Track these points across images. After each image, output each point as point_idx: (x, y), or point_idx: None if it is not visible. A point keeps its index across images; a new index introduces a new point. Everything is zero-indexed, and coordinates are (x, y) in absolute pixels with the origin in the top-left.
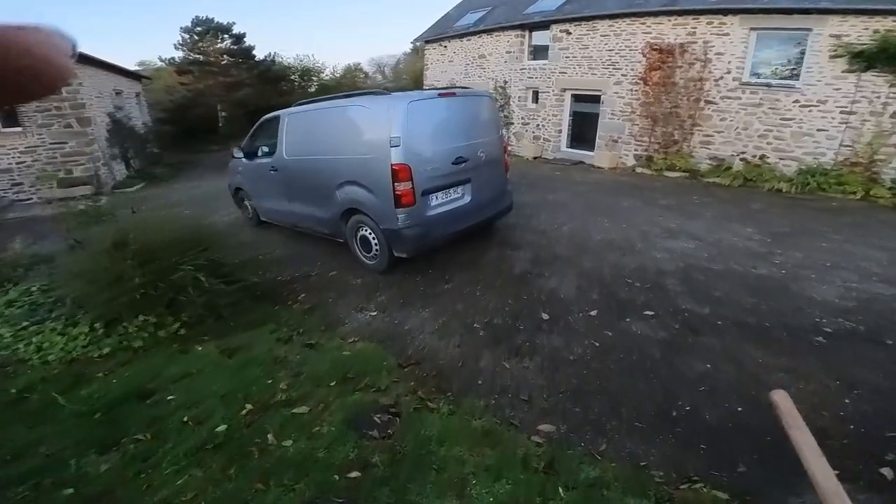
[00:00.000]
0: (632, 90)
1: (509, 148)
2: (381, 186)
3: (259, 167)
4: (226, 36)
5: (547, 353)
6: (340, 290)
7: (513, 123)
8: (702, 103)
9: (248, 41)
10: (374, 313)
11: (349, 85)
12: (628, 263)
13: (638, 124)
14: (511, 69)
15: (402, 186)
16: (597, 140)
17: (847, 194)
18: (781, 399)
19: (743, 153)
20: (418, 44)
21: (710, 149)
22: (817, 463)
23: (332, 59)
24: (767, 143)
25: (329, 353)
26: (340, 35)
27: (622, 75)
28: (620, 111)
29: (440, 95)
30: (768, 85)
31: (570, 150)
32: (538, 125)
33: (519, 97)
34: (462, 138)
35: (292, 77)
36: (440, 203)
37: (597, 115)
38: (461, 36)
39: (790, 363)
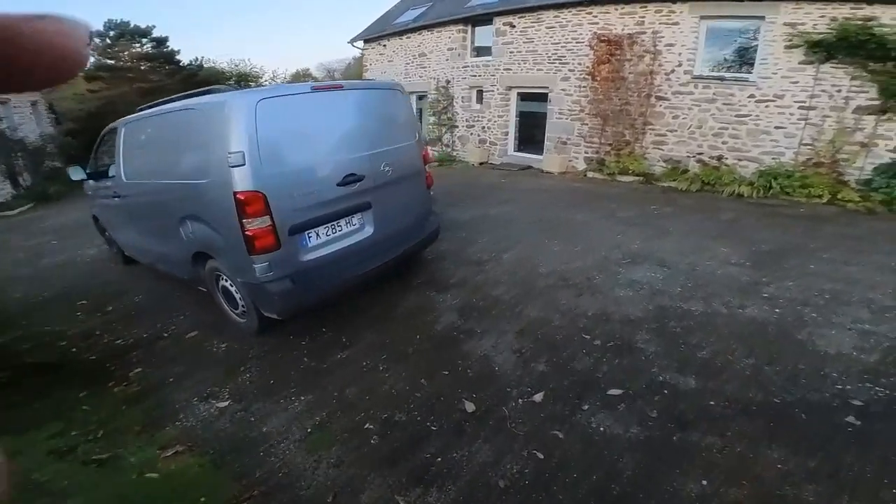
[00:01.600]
0: (580, 86)
1: (432, 155)
2: (226, 224)
3: (105, 192)
4: (144, 40)
5: (466, 479)
6: (193, 361)
7: (457, 126)
8: (653, 99)
9: (173, 46)
10: (226, 403)
11: None
12: (585, 308)
13: (587, 124)
14: (454, 67)
15: (255, 224)
16: (545, 142)
17: (812, 198)
18: None
19: (699, 154)
20: (358, 45)
21: (663, 149)
22: None
23: (282, 65)
24: (723, 143)
25: (122, 477)
26: (291, 42)
27: (569, 70)
28: (569, 110)
29: (315, 89)
30: (721, 78)
31: (517, 153)
32: (483, 127)
33: (463, 97)
34: (354, 148)
35: (227, 82)
36: (323, 242)
37: (545, 115)
38: (401, 34)
39: (826, 465)
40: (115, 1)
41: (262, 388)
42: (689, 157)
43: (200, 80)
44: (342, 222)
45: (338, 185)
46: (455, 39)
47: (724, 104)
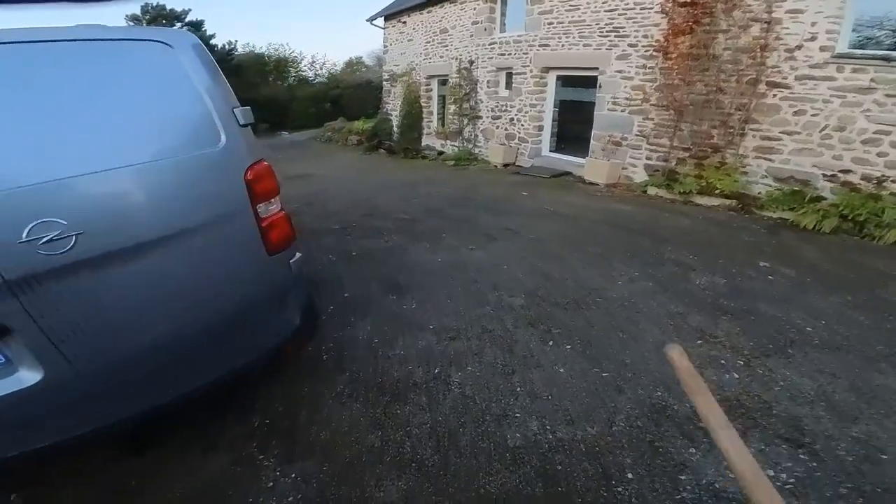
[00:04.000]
0: (644, 67)
1: (278, 182)
2: None
3: None
4: (177, 23)
5: None
6: None
7: (480, 117)
8: (762, 86)
9: (209, 30)
10: None
11: (345, 80)
12: None
13: (653, 118)
14: (478, 45)
15: None
16: (591, 142)
17: None
18: (678, 357)
19: (837, 170)
20: (378, 23)
21: (773, 160)
22: (727, 436)
23: (331, 52)
24: (881, 156)
25: None
26: (342, 29)
27: (629, 45)
28: (626, 99)
29: None
30: (887, 59)
31: (553, 154)
32: (512, 119)
33: (488, 82)
34: None
35: (265, 68)
36: None
37: (593, 106)
38: (422, 7)
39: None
40: None
41: None
42: (818, 173)
43: (234, 64)
44: None
45: None
46: (481, 11)
47: (889, 96)
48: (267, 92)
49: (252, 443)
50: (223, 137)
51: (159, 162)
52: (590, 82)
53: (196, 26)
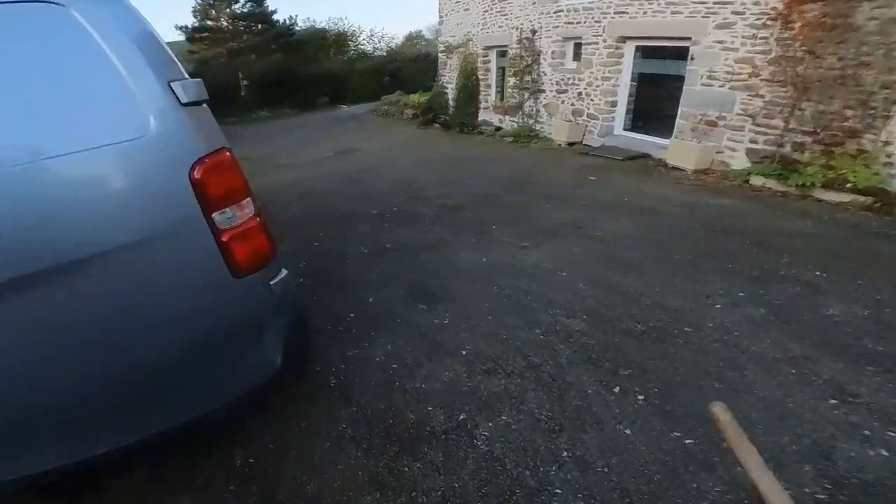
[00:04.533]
0: (754, 38)
1: (243, 173)
2: None
3: None
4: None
5: None
6: None
7: (543, 91)
8: None
9: (270, 5)
10: None
11: (403, 54)
12: None
13: (764, 95)
14: (542, 13)
15: None
16: (677, 120)
17: None
18: (720, 412)
19: None
20: None
21: None
22: (767, 480)
23: (389, 26)
24: None
25: None
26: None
27: (734, 13)
28: (728, 73)
29: None
30: None
31: (629, 133)
32: (580, 94)
33: (553, 53)
34: None
35: (326, 43)
36: None
37: (680, 80)
38: None
39: None
40: None
41: None
42: None
43: (295, 39)
44: None
45: None
46: None
47: None
48: (327, 66)
49: (229, 486)
50: (152, 122)
51: (41, 162)
52: (678, 53)
53: (257, 2)
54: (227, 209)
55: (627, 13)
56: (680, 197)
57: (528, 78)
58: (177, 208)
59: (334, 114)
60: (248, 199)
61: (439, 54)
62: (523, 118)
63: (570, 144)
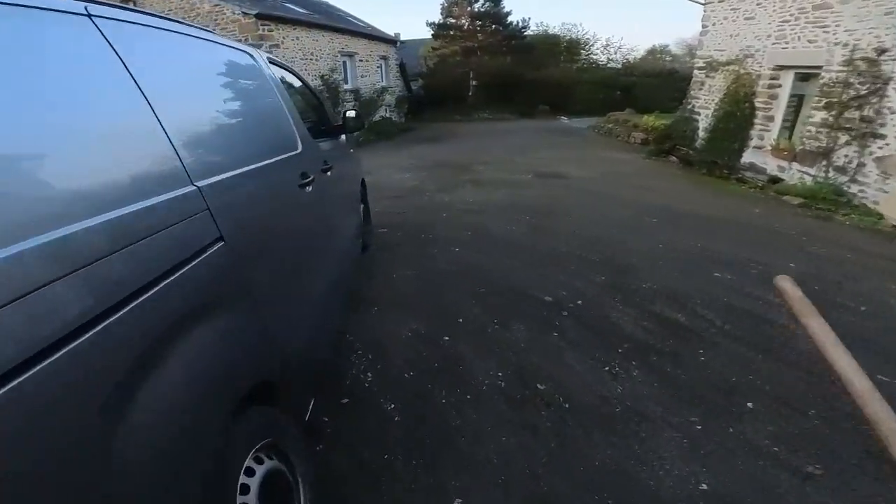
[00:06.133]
0: None
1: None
2: None
3: None
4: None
5: None
6: None
7: (879, 136)
8: None
9: (506, 6)
10: None
11: (641, 68)
12: None
13: None
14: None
15: None
16: None
17: None
18: (789, 286)
19: None
20: None
21: None
22: (840, 356)
23: (637, 40)
24: None
25: None
26: (648, 13)
27: None
28: None
29: None
30: None
31: None
32: None
33: None
34: None
35: (556, 49)
36: None
37: None
38: None
39: None
40: None
41: None
42: None
43: (525, 42)
44: None
45: None
46: None
47: None
48: (554, 73)
49: None
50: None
51: None
52: None
53: (494, 1)
54: None
55: None
56: None
57: (852, 115)
58: None
59: (552, 125)
60: None
61: (695, 71)
62: (828, 172)
63: None
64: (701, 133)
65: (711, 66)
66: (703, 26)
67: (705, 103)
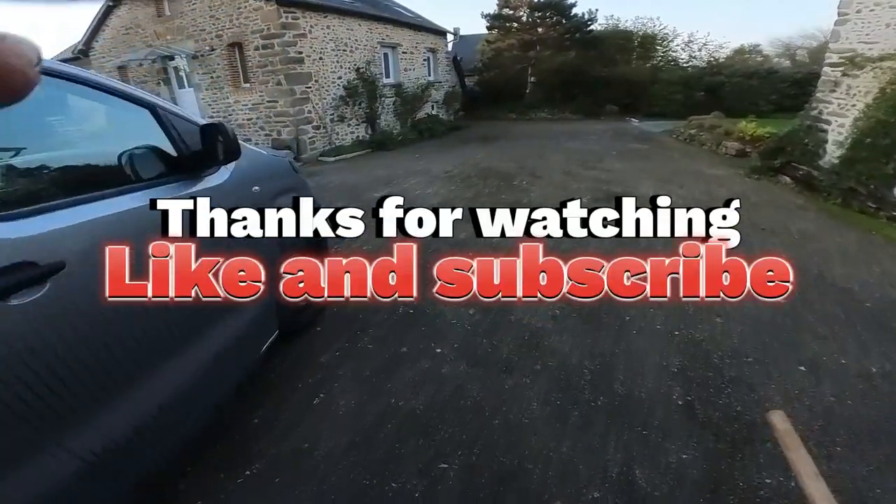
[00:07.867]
0: None
1: None
2: None
3: None
4: None
5: None
6: None
7: None
8: None
9: None
10: None
11: (730, 67)
12: None
13: None
14: None
15: None
16: None
17: None
18: (779, 420)
19: None
20: None
21: None
22: (816, 487)
23: (717, 33)
24: None
25: None
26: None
27: None
28: None
29: None
30: None
31: None
32: None
33: None
34: None
35: (630, 44)
36: None
37: None
38: None
39: None
40: None
41: None
42: None
43: (592, 36)
44: None
45: None
46: None
47: None
48: (625, 70)
49: None
50: None
51: None
52: None
53: None
54: None
55: None
56: None
57: None
58: None
59: (622, 127)
60: None
61: (825, 69)
62: None
63: None
64: (831, 148)
65: (853, 63)
66: (841, 13)
67: (840, 109)
